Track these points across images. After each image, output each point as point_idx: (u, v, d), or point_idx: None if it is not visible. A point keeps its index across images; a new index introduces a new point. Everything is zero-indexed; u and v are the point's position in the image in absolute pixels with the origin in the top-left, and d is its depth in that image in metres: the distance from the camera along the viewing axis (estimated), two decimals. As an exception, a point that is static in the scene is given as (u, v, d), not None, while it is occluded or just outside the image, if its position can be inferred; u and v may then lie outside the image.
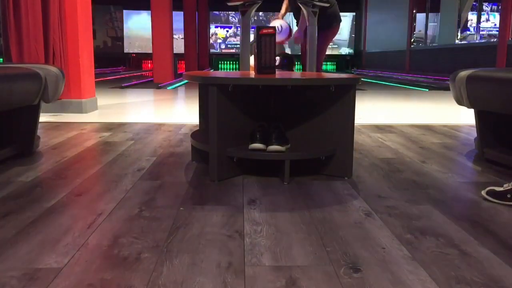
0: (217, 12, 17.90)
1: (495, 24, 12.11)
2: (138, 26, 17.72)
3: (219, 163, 1.94)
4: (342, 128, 2.01)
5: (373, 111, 4.72)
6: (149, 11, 8.65)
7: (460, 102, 2.40)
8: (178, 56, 10.90)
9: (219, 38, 18.34)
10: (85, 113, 4.06)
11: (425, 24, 13.50)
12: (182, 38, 13.95)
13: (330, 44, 5.11)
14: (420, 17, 13.72)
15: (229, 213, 1.56)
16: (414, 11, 13.65)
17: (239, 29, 16.07)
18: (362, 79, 2.21)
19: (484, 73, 2.25)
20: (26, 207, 1.59)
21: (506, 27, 9.18)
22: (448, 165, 2.30)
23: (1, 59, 4.33)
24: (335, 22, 4.45)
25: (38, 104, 2.36)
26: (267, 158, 1.95)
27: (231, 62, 17.89)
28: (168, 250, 1.25)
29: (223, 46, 18.38)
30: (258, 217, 1.52)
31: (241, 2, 3.38)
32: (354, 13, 17.94)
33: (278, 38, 4.42)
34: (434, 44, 13.17)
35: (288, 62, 5.12)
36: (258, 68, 2.19)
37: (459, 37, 11.96)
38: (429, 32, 13.59)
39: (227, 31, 18.28)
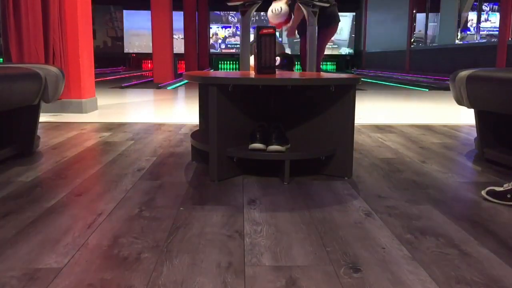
0: (218, 12, 17.89)
1: (494, 26, 12.11)
2: (138, 26, 17.72)
3: (219, 163, 1.94)
4: (342, 128, 2.01)
5: (373, 111, 4.72)
6: (149, 11, 8.65)
7: (460, 102, 2.40)
8: (178, 56, 10.90)
9: (220, 38, 18.35)
10: (85, 113, 4.06)
11: (425, 24, 13.50)
12: (182, 38, 13.95)
13: (330, 44, 5.12)
14: (420, 17, 13.73)
15: (229, 213, 1.56)
16: (414, 11, 13.65)
17: (238, 29, 16.09)
18: (362, 79, 2.21)
19: (484, 73, 2.25)
20: (26, 207, 1.59)
21: (506, 27, 9.18)
22: (448, 165, 2.30)
23: (1, 59, 4.33)
24: (334, 22, 4.45)
25: (38, 104, 2.36)
26: (267, 158, 1.95)
27: (231, 62, 17.89)
28: (168, 250, 1.25)
29: (223, 46, 18.38)
30: (258, 217, 1.52)
31: (241, 2, 3.38)
32: (354, 13, 17.94)
33: (276, 20, 4.39)
34: (434, 44, 13.18)
35: (288, 62, 5.11)
36: (258, 68, 2.19)
37: (459, 37, 11.96)
38: (429, 32, 13.59)
39: (228, 30, 18.28)
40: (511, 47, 8.89)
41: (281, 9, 4.40)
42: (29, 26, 3.74)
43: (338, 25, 4.54)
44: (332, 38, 4.88)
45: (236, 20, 17.89)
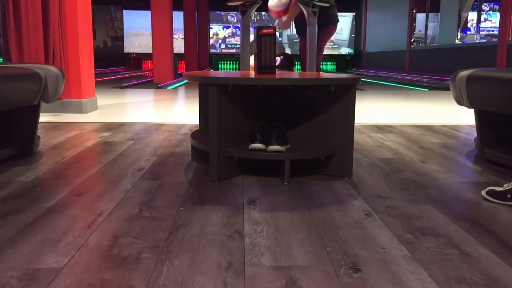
0: (219, 12, 17.89)
1: (493, 26, 12.11)
2: (138, 26, 17.72)
3: (219, 163, 1.94)
4: (342, 128, 2.01)
5: (373, 111, 4.72)
6: (149, 11, 8.65)
7: (460, 102, 2.40)
8: (178, 56, 10.91)
9: (220, 38, 18.35)
10: (85, 113, 4.06)
11: (425, 24, 13.51)
12: (182, 38, 13.95)
13: (330, 44, 5.12)
14: (420, 17, 13.73)
15: (229, 213, 1.56)
16: (414, 11, 13.65)
17: (238, 28, 16.09)
18: (362, 79, 2.21)
19: (484, 73, 2.25)
20: (26, 207, 1.59)
21: (506, 27, 9.18)
22: (448, 165, 2.30)
23: (1, 59, 4.33)
24: (332, 22, 4.46)
25: (38, 104, 2.36)
26: (267, 158, 1.95)
27: (231, 62, 17.90)
28: (168, 250, 1.25)
29: (223, 46, 18.39)
30: (258, 217, 1.52)
31: (241, 2, 3.38)
32: (354, 13, 17.94)
33: (277, 8, 4.38)
34: (434, 44, 13.18)
35: (288, 62, 5.11)
36: (258, 68, 2.19)
37: (458, 37, 11.96)
38: (429, 32, 13.60)
39: (227, 30, 18.29)
40: (511, 47, 8.89)
41: None
42: (29, 26, 3.74)
43: (336, 25, 4.54)
44: (332, 38, 4.88)
45: (235, 20, 17.90)
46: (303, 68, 4.16)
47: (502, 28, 9.37)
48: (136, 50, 18.18)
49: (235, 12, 17.39)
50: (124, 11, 17.98)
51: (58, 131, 3.15)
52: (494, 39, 10.54)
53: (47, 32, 3.81)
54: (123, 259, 1.20)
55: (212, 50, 18.17)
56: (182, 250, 1.25)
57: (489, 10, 12.80)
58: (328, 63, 17.97)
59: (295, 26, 4.70)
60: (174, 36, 9.32)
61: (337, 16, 4.50)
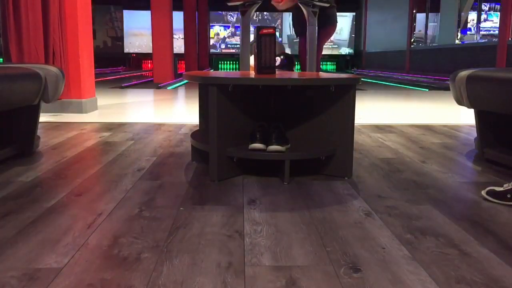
0: (221, 12, 17.89)
1: (493, 26, 12.10)
2: (138, 26, 17.72)
3: (219, 163, 1.94)
4: (342, 128, 2.01)
5: (373, 111, 4.72)
6: (149, 11, 8.65)
7: (460, 102, 2.40)
8: (178, 56, 10.91)
9: (220, 38, 18.35)
10: (85, 113, 4.06)
11: (425, 24, 13.51)
12: (182, 38, 13.95)
13: (330, 44, 5.11)
14: (420, 17, 13.73)
15: (229, 213, 1.56)
16: (414, 11, 13.65)
17: (238, 28, 16.09)
18: (362, 79, 2.21)
19: (484, 73, 2.25)
20: (26, 207, 1.59)
21: (506, 27, 9.18)
22: (448, 165, 2.30)
23: (1, 59, 4.33)
24: (332, 22, 4.46)
25: (38, 104, 2.36)
26: (267, 158, 1.95)
27: (231, 62, 17.90)
28: (168, 250, 1.25)
29: (223, 46, 18.39)
30: (258, 217, 1.52)
31: (241, 2, 3.38)
32: (354, 13, 17.94)
33: None
34: (434, 44, 13.17)
35: (288, 62, 5.12)
36: (258, 68, 2.19)
37: (458, 37, 11.97)
38: (429, 32, 13.60)
39: (227, 30, 18.29)
40: (511, 47, 8.89)
41: None
42: (29, 26, 3.74)
43: (336, 26, 4.54)
44: (332, 38, 4.87)
45: (234, 20, 17.90)
46: (303, 68, 4.16)
47: (502, 28, 9.37)
48: (136, 50, 18.18)
49: (234, 12, 17.40)
50: (124, 11, 17.98)
51: (58, 131, 3.15)
52: (495, 39, 10.53)
53: (47, 32, 3.81)
54: (123, 259, 1.20)
55: (214, 50, 18.18)
56: (182, 250, 1.25)
57: (488, 10, 12.79)
58: (328, 63, 17.97)
59: (293, 26, 4.70)
60: (174, 36, 9.32)
61: (336, 16, 4.50)
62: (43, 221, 1.46)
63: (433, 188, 1.88)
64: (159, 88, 7.35)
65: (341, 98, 1.99)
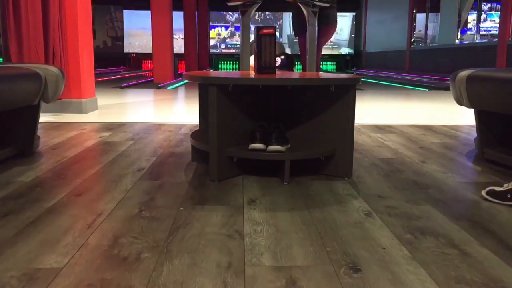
0: (222, 12, 17.89)
1: (493, 26, 12.10)
2: (138, 26, 17.72)
3: (219, 163, 1.94)
4: (342, 128, 2.01)
5: (373, 111, 4.72)
6: (149, 11, 8.65)
7: (460, 102, 2.40)
8: (178, 56, 10.90)
9: (221, 38, 18.35)
10: (85, 113, 4.06)
11: (425, 24, 13.51)
12: (182, 38, 13.95)
13: (330, 44, 5.11)
14: (420, 17, 13.73)
15: (229, 213, 1.56)
16: (414, 11, 13.65)
17: (238, 29, 16.08)
18: (362, 79, 2.21)
19: (484, 73, 2.25)
20: (26, 207, 1.59)
21: (506, 27, 9.18)
22: (448, 165, 2.30)
23: (1, 59, 4.33)
24: (330, 23, 4.46)
25: (38, 104, 2.36)
26: (267, 158, 1.95)
27: (231, 62, 17.90)
28: (168, 250, 1.25)
29: (223, 46, 18.39)
30: (258, 217, 1.52)
31: (241, 2, 3.38)
32: (354, 13, 17.93)
33: None
34: (434, 44, 13.18)
35: (288, 62, 5.12)
36: (258, 68, 2.19)
37: (458, 37, 11.97)
38: (429, 32, 13.60)
39: (227, 30, 18.30)
40: (511, 47, 8.89)
41: None
42: (29, 26, 3.74)
43: (336, 26, 4.54)
44: (332, 38, 4.87)
45: (234, 20, 17.89)
46: (304, 68, 4.16)
47: (502, 28, 9.37)
48: (136, 50, 18.17)
49: (234, 12, 17.40)
50: (124, 11, 17.97)
51: (58, 131, 3.15)
52: (495, 39, 10.53)
53: (47, 32, 3.81)
54: (123, 259, 1.20)
55: (214, 50, 18.17)
56: (182, 250, 1.25)
57: (488, 10, 12.79)
58: (328, 63, 17.97)
59: (292, 25, 4.70)
60: (174, 36, 9.32)
61: (336, 17, 4.51)
62: (43, 221, 1.46)
63: (433, 188, 1.88)
64: (159, 88, 7.35)
65: (341, 98, 1.99)
